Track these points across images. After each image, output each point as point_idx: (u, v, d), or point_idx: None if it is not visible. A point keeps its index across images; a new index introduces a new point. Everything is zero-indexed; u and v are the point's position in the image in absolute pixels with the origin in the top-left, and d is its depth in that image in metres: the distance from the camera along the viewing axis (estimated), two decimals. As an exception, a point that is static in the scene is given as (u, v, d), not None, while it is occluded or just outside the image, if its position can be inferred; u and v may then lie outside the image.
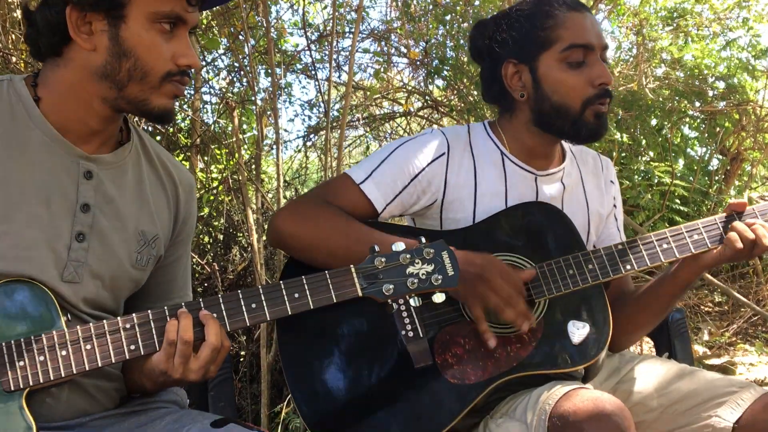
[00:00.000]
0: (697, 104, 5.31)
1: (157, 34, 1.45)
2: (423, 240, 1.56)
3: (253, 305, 1.49)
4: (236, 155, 3.89)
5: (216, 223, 4.58)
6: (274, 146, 4.34)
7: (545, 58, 1.88)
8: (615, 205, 2.12)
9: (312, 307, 1.50)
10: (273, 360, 3.34)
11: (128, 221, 1.61)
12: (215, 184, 4.61)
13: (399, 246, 1.55)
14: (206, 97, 4.74)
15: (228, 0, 1.65)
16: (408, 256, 1.53)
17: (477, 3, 4.55)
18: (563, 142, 2.05)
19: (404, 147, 1.93)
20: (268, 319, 1.50)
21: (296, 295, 1.50)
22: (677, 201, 5.32)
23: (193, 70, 1.55)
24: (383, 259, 1.53)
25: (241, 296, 1.49)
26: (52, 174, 1.50)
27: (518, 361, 1.76)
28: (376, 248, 1.55)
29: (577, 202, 2.03)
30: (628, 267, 1.83)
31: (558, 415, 1.57)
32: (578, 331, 1.77)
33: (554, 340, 1.78)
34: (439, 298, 1.54)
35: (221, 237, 4.57)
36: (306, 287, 1.51)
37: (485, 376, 1.75)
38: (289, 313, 1.50)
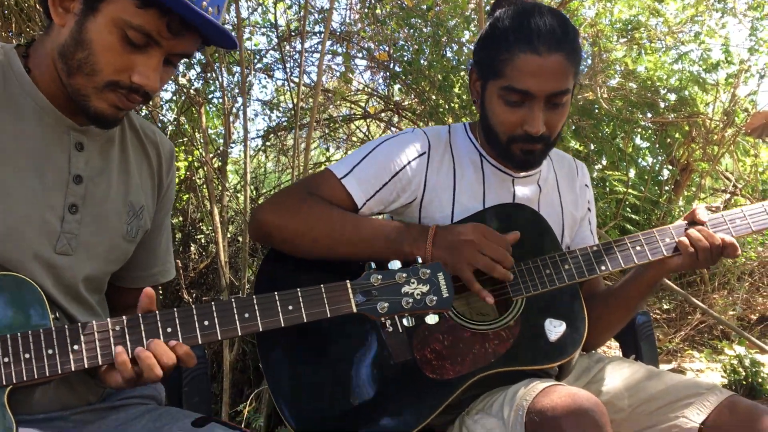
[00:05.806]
0: (649, 115, 5.43)
1: (119, 40, 1.39)
2: (419, 260, 1.57)
3: (246, 315, 1.46)
4: (199, 151, 3.85)
5: (174, 221, 4.52)
6: (238, 143, 4.32)
7: (491, 85, 1.89)
8: (589, 209, 2.17)
9: (305, 321, 1.48)
10: (235, 359, 3.31)
11: (117, 192, 1.60)
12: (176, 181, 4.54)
13: (395, 264, 1.56)
14: (165, 95, 4.69)
15: (232, 47, 1.54)
16: (404, 275, 1.54)
17: (439, 9, 4.61)
18: None
19: (386, 144, 1.96)
20: (260, 329, 1.46)
21: (290, 308, 1.48)
22: (628, 209, 5.43)
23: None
24: (379, 277, 1.53)
25: (234, 305, 1.46)
26: (45, 144, 1.48)
27: (496, 357, 1.78)
28: (373, 265, 1.55)
29: (551, 204, 2.07)
30: (603, 268, 1.88)
31: (536, 410, 1.60)
32: (555, 329, 1.81)
33: (532, 337, 1.81)
34: (432, 319, 1.55)
35: (179, 236, 4.51)
36: (301, 300, 1.49)
37: (463, 371, 1.78)
38: (282, 325, 1.47)
